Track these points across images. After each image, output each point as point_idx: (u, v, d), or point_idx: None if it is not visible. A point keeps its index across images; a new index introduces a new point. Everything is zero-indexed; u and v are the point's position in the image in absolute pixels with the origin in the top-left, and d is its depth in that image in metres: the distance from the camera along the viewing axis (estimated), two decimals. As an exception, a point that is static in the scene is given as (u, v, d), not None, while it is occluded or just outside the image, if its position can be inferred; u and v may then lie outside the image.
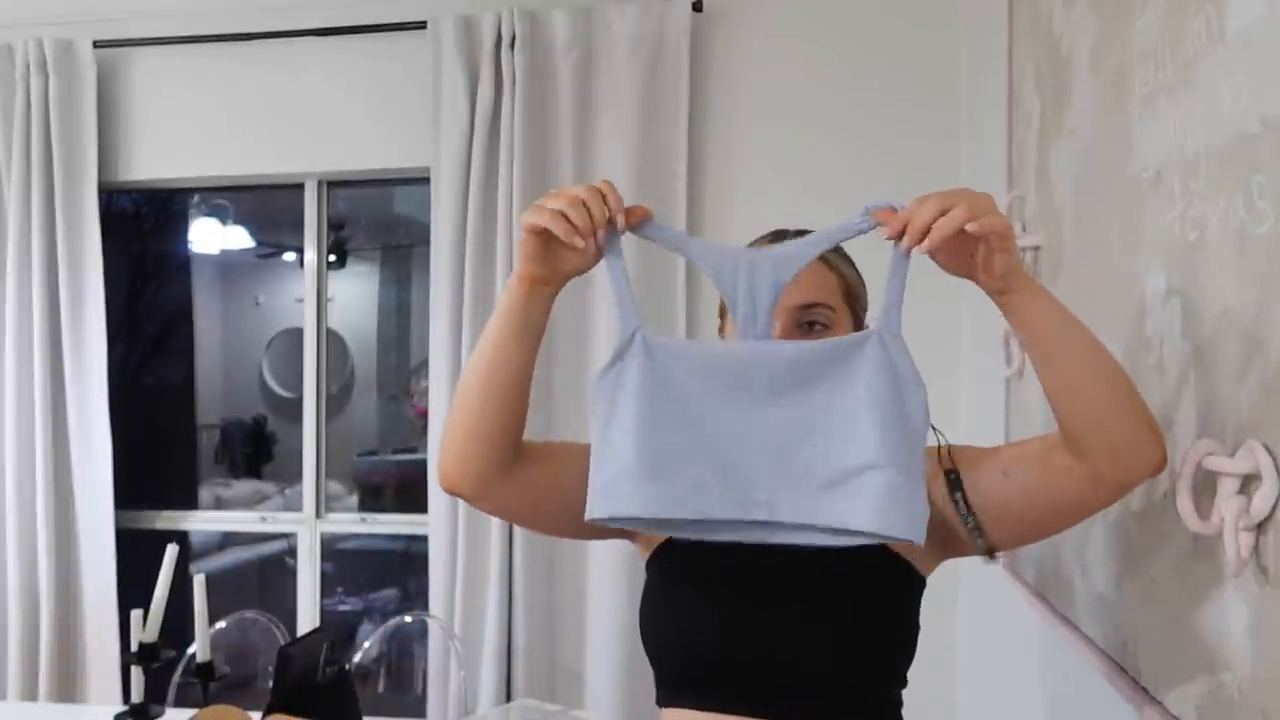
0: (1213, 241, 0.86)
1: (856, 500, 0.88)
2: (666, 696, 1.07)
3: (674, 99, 2.44)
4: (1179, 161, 0.94)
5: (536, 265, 0.96)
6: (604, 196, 0.92)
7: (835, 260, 1.11)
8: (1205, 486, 0.85)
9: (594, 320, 2.47)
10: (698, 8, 2.44)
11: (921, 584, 1.09)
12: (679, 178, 2.43)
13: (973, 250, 0.88)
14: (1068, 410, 0.91)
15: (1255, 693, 0.79)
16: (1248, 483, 0.79)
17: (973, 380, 2.20)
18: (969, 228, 0.83)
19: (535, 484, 1.09)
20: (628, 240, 0.96)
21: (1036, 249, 1.50)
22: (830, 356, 0.92)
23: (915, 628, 1.07)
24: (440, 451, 1.07)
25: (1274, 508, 0.76)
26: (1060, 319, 0.89)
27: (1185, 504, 0.87)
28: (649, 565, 1.14)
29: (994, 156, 1.92)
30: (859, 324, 1.11)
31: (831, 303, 1.08)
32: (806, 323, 1.06)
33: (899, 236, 0.88)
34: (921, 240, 0.86)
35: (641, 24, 2.44)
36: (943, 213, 0.84)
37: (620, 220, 0.92)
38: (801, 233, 1.04)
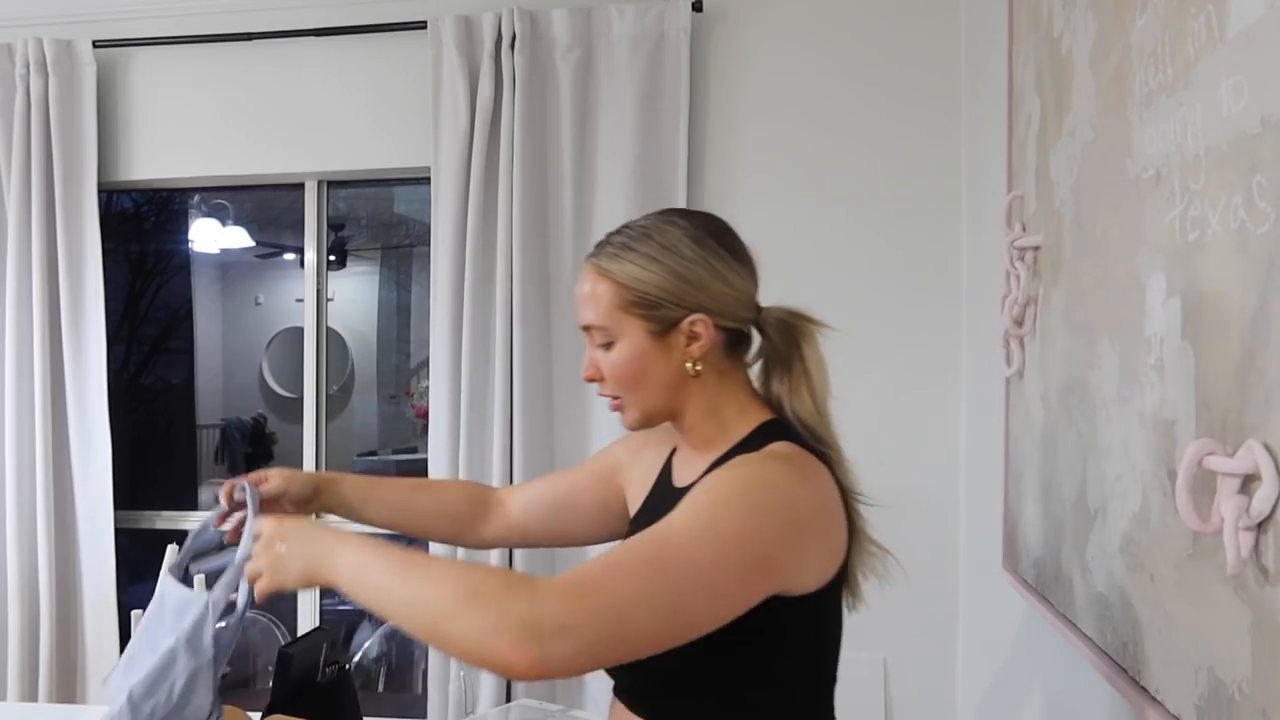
0: (1213, 241, 0.86)
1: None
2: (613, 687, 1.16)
3: (674, 99, 2.44)
4: (1179, 161, 0.94)
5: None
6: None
7: (613, 266, 1.06)
8: (1205, 486, 0.85)
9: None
10: (698, 8, 2.44)
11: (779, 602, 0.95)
12: None
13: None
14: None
15: (1255, 693, 0.79)
16: (1248, 483, 0.79)
17: (973, 380, 2.20)
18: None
19: (524, 531, 1.34)
20: None
21: (1036, 249, 1.50)
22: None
23: (780, 640, 0.98)
24: None
25: (1274, 508, 0.76)
26: (364, 595, 0.92)
27: (1185, 504, 0.87)
28: None
29: (994, 157, 1.92)
30: (664, 324, 1.04)
31: (601, 320, 1.06)
32: (597, 342, 1.08)
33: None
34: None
35: (641, 24, 2.44)
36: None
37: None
38: (598, 246, 1.10)
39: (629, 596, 0.84)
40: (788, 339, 1.09)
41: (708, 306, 1.04)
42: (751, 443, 1.04)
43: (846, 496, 1.04)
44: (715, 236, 1.07)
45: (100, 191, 2.72)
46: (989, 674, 2.04)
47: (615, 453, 1.32)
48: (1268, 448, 0.76)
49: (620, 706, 1.11)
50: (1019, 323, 1.59)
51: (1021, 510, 1.63)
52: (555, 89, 2.48)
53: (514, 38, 2.46)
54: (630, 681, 1.09)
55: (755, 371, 1.14)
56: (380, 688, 3.37)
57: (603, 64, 2.47)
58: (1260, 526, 0.78)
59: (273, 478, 1.25)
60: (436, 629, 0.85)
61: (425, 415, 2.55)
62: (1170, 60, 0.96)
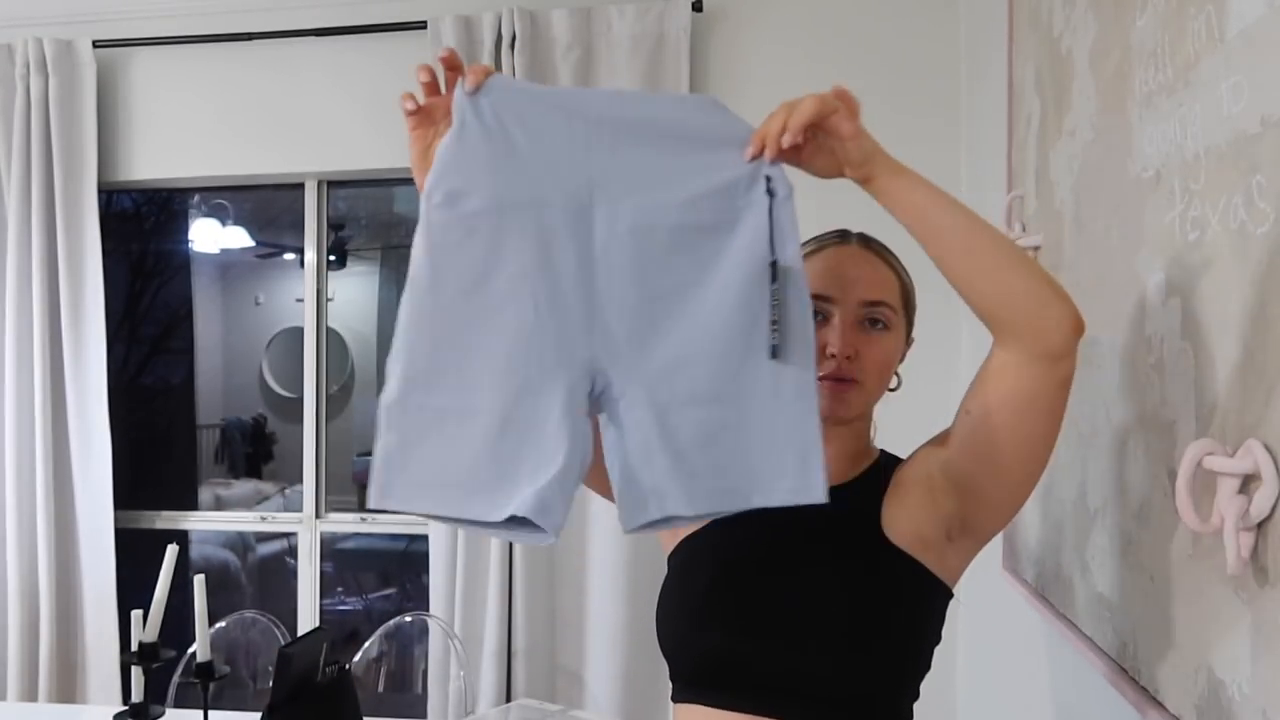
0: (1213, 241, 0.86)
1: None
2: (679, 692, 1.06)
3: (674, 99, 2.44)
4: (1179, 161, 0.94)
5: (415, 143, 1.01)
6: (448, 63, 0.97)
7: (895, 262, 1.11)
8: (1205, 486, 0.85)
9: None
10: (698, 8, 2.44)
11: (944, 594, 1.03)
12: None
13: (833, 147, 0.93)
14: (969, 288, 0.91)
15: (1255, 693, 0.79)
16: (1248, 483, 0.79)
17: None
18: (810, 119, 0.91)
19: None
20: None
21: (1036, 249, 1.50)
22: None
23: (929, 641, 1.03)
24: None
25: (1274, 508, 0.75)
26: (933, 196, 0.92)
27: (1185, 504, 0.87)
28: (670, 558, 1.13)
29: (994, 157, 1.92)
30: (908, 333, 1.11)
31: (894, 303, 1.08)
32: (869, 319, 1.06)
33: (760, 154, 0.92)
34: (779, 146, 0.90)
35: (641, 24, 2.44)
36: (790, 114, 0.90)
37: (469, 80, 0.95)
38: (865, 238, 1.10)
39: None
40: None
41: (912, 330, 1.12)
42: (891, 460, 1.10)
43: None
44: None
45: (100, 191, 2.72)
46: (989, 674, 2.04)
47: None
48: (1268, 448, 0.76)
49: (706, 712, 1.02)
50: (1019, 323, 1.59)
51: (1021, 510, 1.63)
52: (555, 89, 2.48)
53: (514, 38, 2.46)
54: (770, 677, 0.99)
55: None
56: (380, 688, 3.37)
57: (603, 64, 2.47)
58: (1260, 527, 0.78)
59: None
60: (1000, 270, 0.88)
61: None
62: (1170, 60, 0.96)
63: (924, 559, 1.01)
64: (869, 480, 1.07)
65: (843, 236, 1.11)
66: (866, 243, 1.11)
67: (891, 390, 1.10)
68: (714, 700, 1.01)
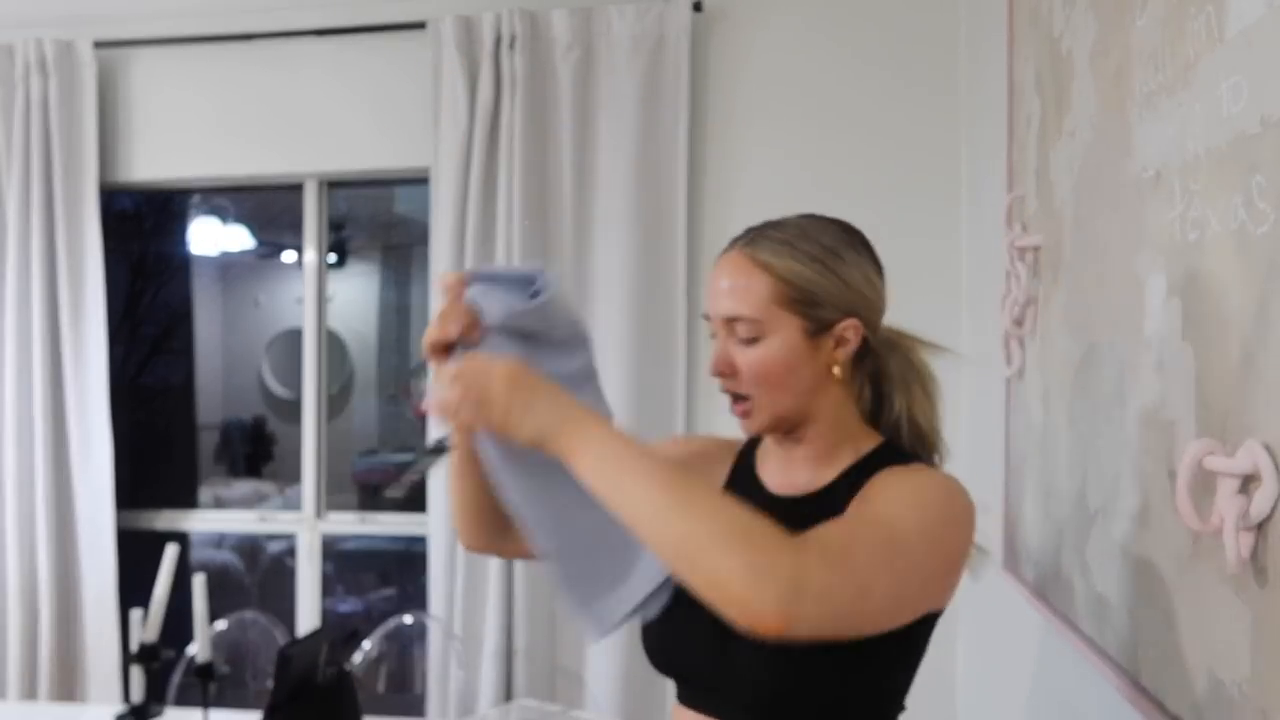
0: (1213, 241, 0.86)
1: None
2: (677, 694, 1.09)
3: (674, 99, 2.44)
4: (1179, 161, 0.94)
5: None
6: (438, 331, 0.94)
7: (776, 260, 1.01)
8: (1205, 486, 0.85)
9: (592, 323, 2.47)
10: (698, 8, 2.44)
11: (917, 622, 0.96)
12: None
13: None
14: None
15: (1255, 693, 0.79)
16: (1248, 483, 0.79)
17: (973, 380, 2.20)
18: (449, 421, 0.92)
19: None
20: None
21: (1036, 249, 1.50)
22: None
23: (907, 656, 0.99)
24: None
25: (1274, 508, 0.75)
26: (605, 482, 0.86)
27: (1185, 504, 0.87)
28: None
29: (994, 157, 1.92)
30: (820, 325, 1.01)
31: (755, 314, 1.00)
32: (736, 335, 1.02)
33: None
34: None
35: (641, 24, 2.44)
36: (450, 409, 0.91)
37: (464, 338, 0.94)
38: (752, 238, 1.04)
39: (872, 574, 0.85)
40: (906, 360, 1.09)
41: (860, 312, 1.03)
42: (883, 457, 1.03)
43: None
44: (865, 245, 1.06)
45: (100, 191, 2.72)
46: (989, 674, 2.04)
47: (706, 446, 1.24)
48: (1268, 448, 0.76)
49: (692, 714, 1.05)
50: (1019, 323, 1.59)
51: (1021, 510, 1.63)
52: (555, 89, 2.48)
53: (514, 38, 2.46)
54: (733, 691, 1.01)
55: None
56: (380, 688, 3.37)
57: (603, 64, 2.47)
58: (1260, 527, 0.78)
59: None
60: (690, 554, 0.82)
61: (425, 415, 2.55)
62: (1170, 60, 0.96)
63: None
64: (835, 491, 1.02)
65: (733, 241, 1.06)
66: (748, 243, 1.04)
67: (835, 382, 1.03)
68: (701, 706, 1.04)
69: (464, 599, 2.48)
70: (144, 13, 2.73)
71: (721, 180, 2.49)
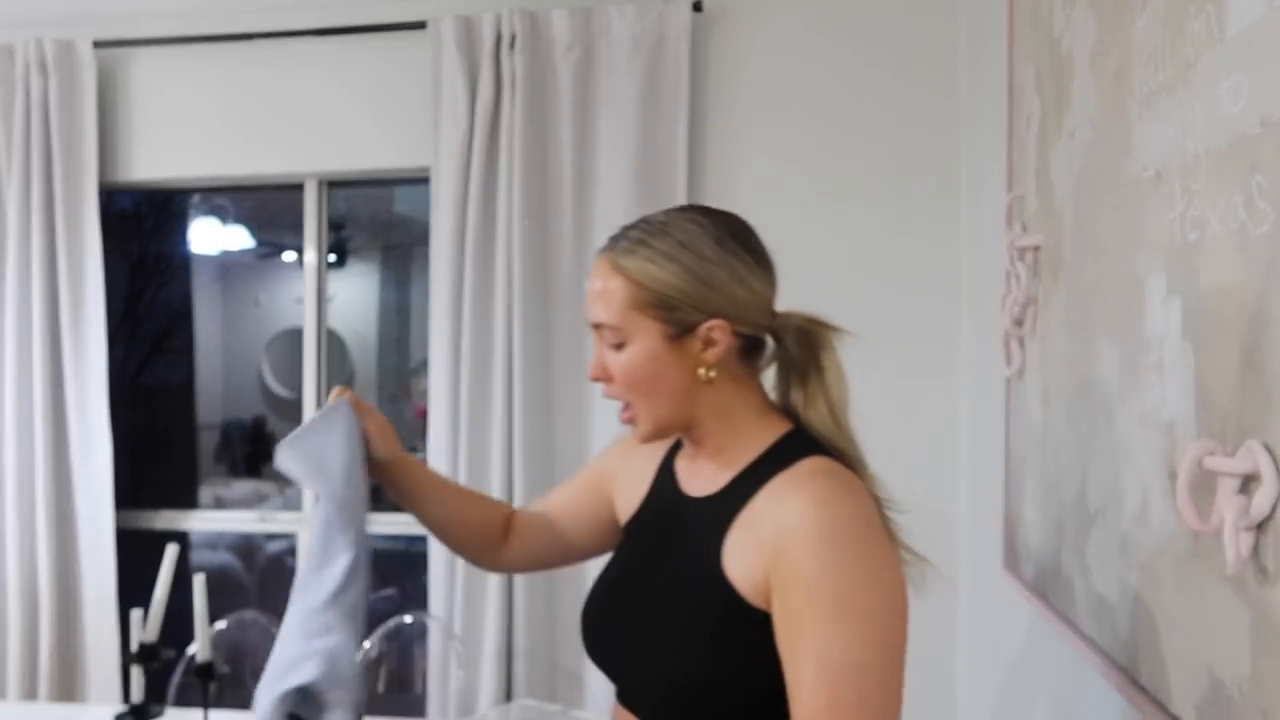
0: (1213, 241, 0.86)
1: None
2: (615, 692, 1.15)
3: (674, 99, 2.43)
4: (1179, 161, 0.94)
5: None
6: None
7: (631, 263, 1.00)
8: (1205, 486, 0.85)
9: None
10: (698, 8, 2.44)
11: (764, 620, 0.94)
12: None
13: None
14: None
15: (1255, 693, 0.79)
16: (1248, 483, 0.79)
17: (973, 380, 2.20)
18: None
19: (534, 556, 1.32)
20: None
21: (1036, 249, 1.50)
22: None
23: (750, 665, 0.95)
24: None
25: (1274, 508, 0.76)
26: None
27: (1185, 504, 0.87)
28: None
29: (994, 157, 1.92)
30: (682, 328, 0.99)
31: (614, 319, 1.00)
32: (609, 344, 1.02)
33: None
34: None
35: (641, 24, 2.44)
36: None
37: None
38: (614, 243, 1.03)
39: (869, 713, 0.86)
40: (805, 347, 1.03)
41: (726, 311, 0.99)
42: (778, 455, 0.99)
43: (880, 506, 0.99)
44: (737, 237, 1.02)
45: (100, 191, 2.72)
46: (989, 674, 2.04)
47: (606, 462, 1.28)
48: (1268, 448, 0.76)
49: (624, 712, 1.09)
50: (1019, 323, 1.59)
51: (1022, 510, 1.63)
52: (555, 89, 2.48)
53: (514, 38, 2.46)
54: (639, 691, 1.07)
55: (766, 377, 1.09)
56: (380, 688, 3.37)
57: (603, 64, 2.47)
58: (1260, 526, 0.78)
59: (376, 420, 1.27)
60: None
61: (425, 415, 2.55)
62: (1170, 60, 0.96)
63: (756, 602, 0.93)
64: (730, 494, 1.00)
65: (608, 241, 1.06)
66: (612, 244, 1.03)
67: (707, 384, 1.00)
68: (627, 705, 1.09)
69: (464, 599, 2.48)
70: (144, 12, 2.73)
71: (721, 180, 2.49)
